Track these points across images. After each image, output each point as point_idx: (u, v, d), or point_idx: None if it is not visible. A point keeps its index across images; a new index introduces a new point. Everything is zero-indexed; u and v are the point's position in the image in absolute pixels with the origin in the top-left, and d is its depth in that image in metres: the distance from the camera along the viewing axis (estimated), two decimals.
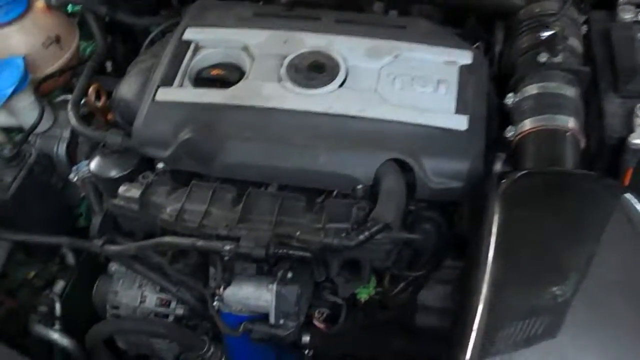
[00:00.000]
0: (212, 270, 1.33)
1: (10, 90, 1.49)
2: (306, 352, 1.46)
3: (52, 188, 1.58)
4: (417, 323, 1.52)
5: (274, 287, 1.26)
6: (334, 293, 1.37)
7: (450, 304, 1.51)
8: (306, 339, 1.42)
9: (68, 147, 1.63)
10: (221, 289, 1.25)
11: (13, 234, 1.47)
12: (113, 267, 1.50)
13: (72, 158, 1.64)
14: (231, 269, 1.24)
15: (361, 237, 1.20)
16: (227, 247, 1.18)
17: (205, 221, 1.28)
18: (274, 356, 1.47)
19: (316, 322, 1.40)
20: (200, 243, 1.22)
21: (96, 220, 1.43)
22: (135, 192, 1.37)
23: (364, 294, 1.40)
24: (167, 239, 1.29)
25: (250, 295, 1.28)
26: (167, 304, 1.47)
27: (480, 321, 1.07)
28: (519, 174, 1.21)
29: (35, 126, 1.55)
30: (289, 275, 1.28)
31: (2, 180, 1.43)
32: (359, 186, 1.29)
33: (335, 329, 1.39)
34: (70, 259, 1.71)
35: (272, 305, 1.27)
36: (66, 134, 1.64)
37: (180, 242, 1.26)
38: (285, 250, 1.19)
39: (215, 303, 1.37)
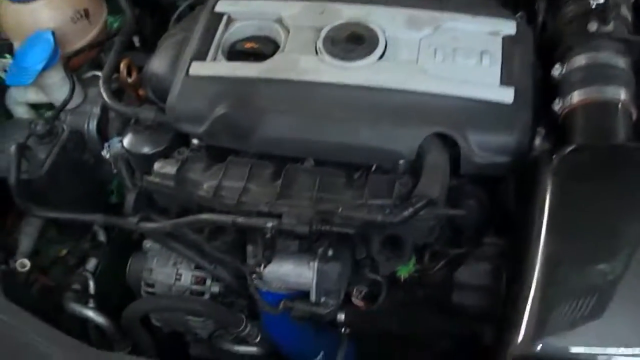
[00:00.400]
0: (249, 248, 1.31)
1: (41, 66, 1.47)
2: (343, 330, 1.44)
3: (84, 165, 1.55)
4: (454, 301, 1.50)
5: (315, 264, 1.24)
6: (374, 270, 1.34)
7: (488, 281, 1.49)
8: (341, 317, 1.40)
9: (99, 123, 1.61)
10: (261, 266, 1.22)
11: (47, 211, 1.45)
12: (147, 244, 1.48)
13: (104, 135, 1.61)
14: (272, 246, 1.21)
15: (405, 213, 1.17)
16: (269, 224, 1.15)
17: (243, 198, 1.25)
18: (311, 334, 1.45)
19: (355, 300, 1.37)
20: (240, 220, 1.19)
21: (130, 197, 1.41)
22: (170, 168, 1.34)
23: (404, 272, 1.37)
24: (205, 216, 1.26)
25: (291, 272, 1.26)
26: (203, 281, 1.45)
27: (533, 300, 1.04)
28: (570, 148, 1.17)
29: (67, 102, 1.52)
30: (330, 252, 1.25)
31: (36, 157, 1.41)
32: (401, 161, 1.26)
33: (375, 307, 1.36)
34: (102, 236, 1.70)
35: (313, 283, 1.24)
36: (96, 110, 1.61)
37: (219, 219, 1.24)
38: (328, 227, 1.16)
39: (253, 281, 1.36)
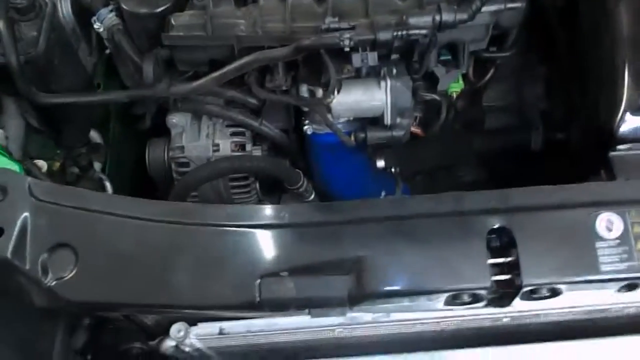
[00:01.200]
0: (303, 87, 1.20)
1: None
2: (393, 169, 1.39)
3: (72, 48, 1.34)
4: (487, 126, 1.50)
5: (388, 82, 1.16)
6: (430, 90, 1.29)
7: (514, 99, 1.49)
8: (380, 164, 1.36)
9: (73, 3, 1.38)
10: (335, 93, 1.12)
11: (58, 96, 1.24)
12: (174, 118, 1.32)
13: (80, 17, 1.39)
14: (341, 68, 1.12)
15: (474, 6, 1.11)
16: (347, 36, 1.04)
17: (295, 26, 1.14)
18: (370, 176, 1.39)
19: (412, 128, 1.32)
20: (307, 42, 1.07)
21: (147, 66, 1.23)
22: (196, 17, 1.19)
23: (455, 88, 1.33)
24: (258, 54, 1.13)
25: (361, 98, 1.17)
26: (243, 147, 1.33)
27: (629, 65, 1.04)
28: None
29: None
30: (394, 70, 1.17)
31: (25, 35, 1.19)
32: None
33: (436, 126, 1.32)
34: (98, 138, 1.51)
35: (388, 102, 1.17)
36: None
37: (279, 53, 1.11)
38: (405, 32, 1.08)
39: (306, 126, 1.26)
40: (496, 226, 0.91)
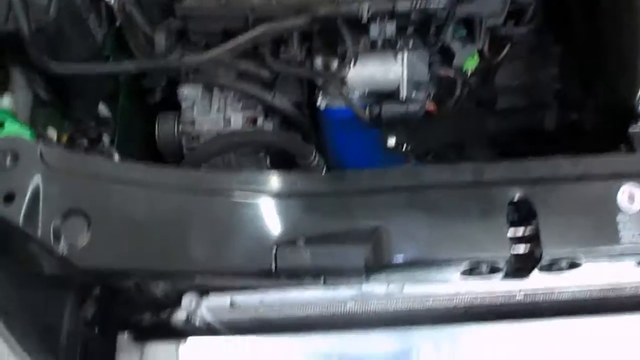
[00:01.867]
0: (317, 60, 1.19)
1: None
2: (403, 147, 1.38)
3: (83, 19, 1.32)
4: (499, 106, 1.49)
5: (405, 55, 1.14)
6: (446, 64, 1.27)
7: (527, 79, 1.48)
8: (391, 141, 1.34)
9: None
10: (351, 64, 1.11)
11: (68, 65, 1.22)
12: (185, 90, 1.31)
13: None
14: (358, 39, 1.10)
15: None
16: (366, 5, 1.03)
17: None
18: (379, 153, 1.37)
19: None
20: (325, 11, 1.05)
21: (159, 38, 1.22)
22: None
23: (470, 65, 1.32)
24: (272, 24, 1.12)
25: (377, 70, 1.16)
26: (254, 121, 1.32)
27: None
28: None
29: None
30: (410, 43, 1.16)
31: (37, 3, 1.17)
32: None
33: (449, 103, 1.31)
34: (105, 111, 1.50)
35: (404, 75, 1.15)
36: None
37: (295, 22, 1.09)
38: (424, 2, 1.06)
39: (319, 100, 1.25)
40: (516, 197, 0.90)
